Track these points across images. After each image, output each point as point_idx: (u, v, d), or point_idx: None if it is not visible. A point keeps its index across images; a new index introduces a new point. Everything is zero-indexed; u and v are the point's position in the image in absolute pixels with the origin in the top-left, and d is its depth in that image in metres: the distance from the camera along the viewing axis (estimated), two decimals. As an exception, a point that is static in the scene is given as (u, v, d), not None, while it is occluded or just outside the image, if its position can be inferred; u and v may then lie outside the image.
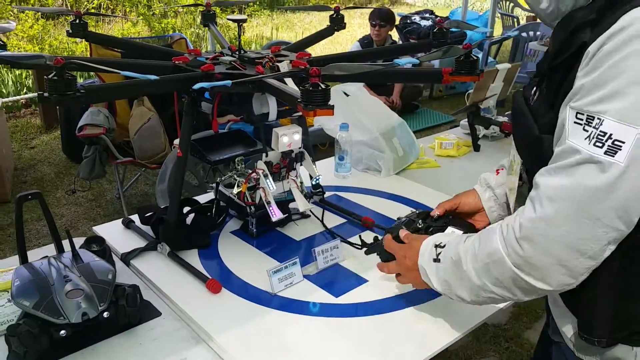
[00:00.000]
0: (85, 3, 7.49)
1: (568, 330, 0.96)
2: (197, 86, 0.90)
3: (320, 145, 3.93)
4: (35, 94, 4.91)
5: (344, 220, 1.67)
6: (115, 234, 1.58)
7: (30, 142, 4.53)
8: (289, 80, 1.25)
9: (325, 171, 1.98)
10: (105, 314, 1.12)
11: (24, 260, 1.27)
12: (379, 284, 1.34)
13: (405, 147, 2.07)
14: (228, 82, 0.93)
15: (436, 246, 1.02)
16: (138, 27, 6.97)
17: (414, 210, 1.27)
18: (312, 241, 1.56)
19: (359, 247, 1.38)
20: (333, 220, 1.66)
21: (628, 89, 0.72)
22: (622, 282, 0.84)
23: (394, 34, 5.27)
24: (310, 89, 0.94)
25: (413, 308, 1.25)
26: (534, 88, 0.94)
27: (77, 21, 1.66)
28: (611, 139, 0.73)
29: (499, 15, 7.05)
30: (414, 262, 1.06)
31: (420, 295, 1.26)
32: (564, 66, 0.83)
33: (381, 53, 1.77)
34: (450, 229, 1.19)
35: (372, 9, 4.73)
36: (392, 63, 1.00)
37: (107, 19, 7.31)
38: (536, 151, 0.87)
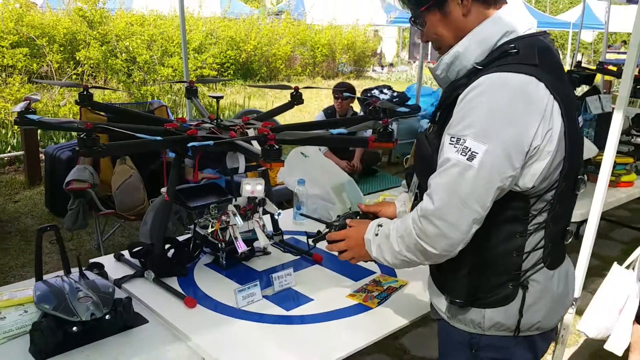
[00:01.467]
0: (68, 70, 7.97)
1: (442, 305, 1.36)
2: (190, 145, 1.30)
3: (285, 202, 4.32)
4: (22, 152, 5.22)
5: (298, 257, 2.05)
6: (109, 265, 1.91)
7: (14, 197, 4.81)
8: (255, 143, 1.67)
9: (285, 219, 2.37)
10: (107, 316, 1.46)
11: (39, 278, 1.62)
12: (322, 302, 1.71)
13: (353, 200, 2.48)
14: (211, 142, 1.34)
15: (378, 225, 1.40)
16: (118, 93, 7.43)
17: (349, 211, 1.66)
18: (272, 271, 1.91)
19: (313, 242, 1.65)
20: (289, 256, 2.04)
21: (476, 122, 1.15)
22: (475, 259, 1.24)
23: (356, 105, 5.84)
24: (268, 148, 1.35)
25: (342, 319, 1.62)
26: (429, 126, 1.38)
27: (85, 92, 2.06)
28: (470, 151, 1.14)
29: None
30: (360, 236, 1.43)
31: (346, 312, 1.65)
32: (446, 111, 1.26)
33: (331, 123, 2.21)
34: None
35: (336, 84, 5.29)
36: (327, 132, 1.43)
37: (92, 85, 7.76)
38: (429, 166, 1.27)
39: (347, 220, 1.57)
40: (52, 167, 4.38)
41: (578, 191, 1.33)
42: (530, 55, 1.19)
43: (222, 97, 1.91)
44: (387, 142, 1.63)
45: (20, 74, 6.73)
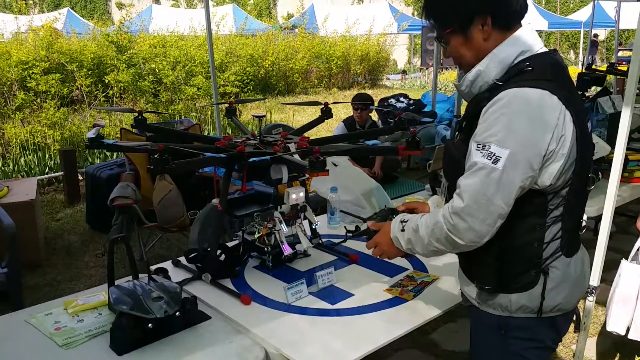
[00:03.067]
0: (97, 93, 8.32)
1: (472, 292, 1.54)
2: (251, 160, 1.51)
3: (314, 210, 4.53)
4: (61, 173, 5.51)
5: (336, 258, 2.24)
6: (169, 270, 2.13)
7: (56, 215, 5.10)
8: (297, 156, 1.87)
9: (320, 224, 2.58)
10: (177, 313, 1.67)
11: (111, 284, 1.84)
12: (362, 296, 1.90)
13: (381, 205, 2.67)
14: (268, 157, 1.55)
15: (401, 222, 1.59)
16: (145, 113, 7.72)
17: (384, 208, 1.86)
18: (314, 271, 2.11)
19: (350, 236, 1.91)
20: (328, 257, 2.24)
21: (500, 131, 1.33)
22: (501, 249, 1.42)
23: (374, 114, 6.04)
24: (314, 160, 1.56)
25: (381, 311, 1.81)
26: (456, 134, 1.57)
27: (139, 117, 2.29)
28: (495, 155, 1.33)
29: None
30: (388, 237, 1.63)
31: (385, 304, 1.84)
32: (471, 121, 1.45)
33: (360, 135, 2.41)
34: None
35: (355, 95, 5.51)
36: (363, 143, 1.63)
37: (116, 106, 8.11)
38: (457, 169, 1.45)
39: (369, 223, 1.77)
40: (93, 186, 4.65)
41: (589, 188, 1.51)
42: (544, 71, 1.38)
43: (264, 116, 2.13)
44: (416, 150, 1.82)
45: (54, 99, 7.08)
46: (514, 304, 1.46)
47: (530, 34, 1.45)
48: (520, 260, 1.45)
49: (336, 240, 2.40)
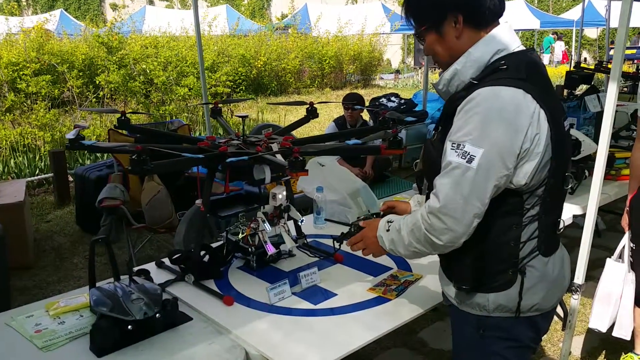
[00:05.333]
0: (88, 94, 8.29)
1: (451, 291, 1.54)
2: (229, 160, 1.51)
3: (304, 210, 4.53)
4: (51, 174, 5.49)
5: (321, 257, 2.24)
6: (151, 272, 2.12)
7: (46, 217, 5.08)
8: (279, 155, 1.87)
9: (306, 224, 2.58)
10: (158, 315, 1.66)
11: (92, 285, 1.83)
12: (345, 296, 1.90)
13: (368, 204, 2.67)
14: (246, 157, 1.54)
15: (388, 222, 1.60)
16: (136, 115, 7.72)
17: (367, 212, 1.84)
18: (298, 271, 2.11)
19: (339, 242, 1.87)
20: (313, 257, 2.23)
21: (473, 130, 1.33)
22: (478, 249, 1.42)
23: (365, 114, 6.04)
24: (293, 160, 1.55)
25: (364, 310, 1.81)
26: (433, 133, 1.57)
27: (123, 117, 2.28)
28: (469, 154, 1.33)
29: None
30: (373, 234, 1.63)
31: (368, 304, 1.84)
32: (447, 120, 1.45)
33: (344, 135, 2.41)
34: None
35: (345, 94, 5.50)
36: (344, 143, 1.63)
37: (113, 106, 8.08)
38: (435, 168, 1.45)
39: (361, 222, 1.77)
40: (82, 187, 4.63)
41: (567, 186, 1.51)
42: (519, 70, 1.38)
43: (247, 117, 2.12)
44: (397, 149, 1.82)
45: (44, 100, 7.05)
46: (491, 304, 1.46)
47: (507, 32, 1.45)
48: (497, 260, 1.45)
49: (322, 241, 2.40)
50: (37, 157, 6.28)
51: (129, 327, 1.62)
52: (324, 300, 1.89)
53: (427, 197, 1.61)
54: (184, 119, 7.71)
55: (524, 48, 1.47)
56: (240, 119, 2.10)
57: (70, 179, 5.63)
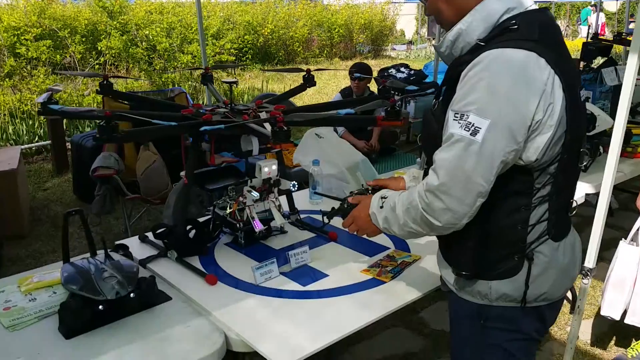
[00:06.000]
0: (91, 60, 8.12)
1: (450, 277, 1.40)
2: (202, 128, 1.36)
3: (304, 183, 4.38)
4: (49, 142, 5.38)
5: (314, 235, 2.11)
6: (134, 246, 2.00)
7: (43, 185, 4.99)
8: (267, 125, 1.72)
9: (302, 199, 2.44)
10: (132, 294, 1.54)
11: (66, 260, 1.71)
12: (336, 277, 1.77)
13: (367, 178, 2.52)
14: (222, 126, 1.39)
15: (381, 198, 1.46)
16: (139, 81, 7.55)
17: (361, 187, 1.69)
18: (288, 249, 1.98)
19: (328, 218, 1.74)
20: (306, 234, 2.10)
21: (479, 98, 1.18)
22: (481, 232, 1.28)
23: (373, 85, 5.84)
24: (277, 130, 1.40)
25: (356, 293, 1.68)
26: (434, 102, 1.41)
27: (105, 82, 2.14)
28: (474, 126, 1.17)
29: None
30: (366, 213, 1.49)
31: (360, 286, 1.71)
32: (450, 87, 1.29)
33: (341, 104, 2.25)
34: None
35: (352, 64, 5.29)
36: (335, 113, 1.47)
37: (110, 74, 7.91)
38: (435, 141, 1.30)
39: (349, 199, 1.62)
40: (79, 155, 4.52)
41: (581, 164, 1.35)
42: (530, 31, 1.21)
43: (236, 83, 1.97)
44: (395, 121, 1.66)
45: (45, 66, 6.89)
46: (493, 292, 1.32)
47: None
48: (502, 244, 1.30)
49: (317, 217, 2.26)
50: (37, 124, 6.16)
51: (100, 307, 1.51)
52: (314, 281, 1.76)
53: (425, 173, 1.46)
54: (187, 87, 7.53)
55: (538, 6, 1.29)
56: (228, 85, 1.95)
57: (69, 146, 5.52)
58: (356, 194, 1.67)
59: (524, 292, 1.31)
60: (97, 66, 7.91)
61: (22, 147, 5.32)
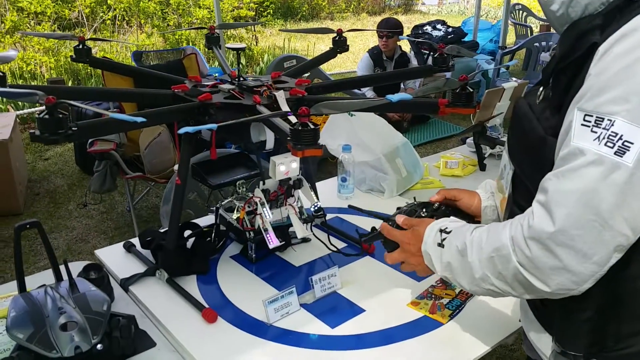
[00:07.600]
0: (101, 14, 7.61)
1: (545, 347, 0.95)
2: (181, 131, 0.90)
3: (330, 159, 3.91)
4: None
5: (345, 245, 1.66)
6: (117, 258, 1.59)
7: (45, 154, 4.60)
8: (285, 106, 1.25)
9: (328, 192, 1.98)
10: (98, 346, 1.13)
11: (22, 288, 1.28)
12: (376, 314, 1.33)
13: (409, 168, 2.05)
14: (214, 126, 0.93)
15: (441, 231, 1.01)
16: (152, 38, 7.04)
17: (413, 201, 1.23)
18: (312, 266, 1.55)
19: (366, 242, 1.26)
20: (334, 243, 1.65)
21: (635, 94, 0.72)
22: (605, 297, 0.83)
23: (404, 44, 5.25)
24: (299, 129, 0.93)
25: (399, 343, 1.23)
26: (539, 92, 0.93)
27: (81, 47, 1.68)
28: (622, 139, 0.72)
29: (512, 24, 6.99)
30: (417, 248, 1.05)
31: (409, 330, 1.26)
32: (571, 69, 0.82)
33: (383, 78, 1.75)
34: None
35: (380, 20, 4.72)
36: (384, 99, 0.99)
37: (122, 30, 7.41)
38: (537, 154, 0.86)
39: (397, 217, 1.15)
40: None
41: None
42: None
43: (243, 49, 1.49)
44: (466, 107, 1.17)
45: (50, 22, 6.41)
46: None
47: None
48: (634, 315, 0.85)
49: (347, 218, 1.81)
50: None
51: (55, 366, 1.09)
52: (345, 320, 1.32)
53: (513, 192, 0.99)
54: (201, 46, 7.00)
55: None
56: (236, 52, 1.47)
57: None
58: (405, 210, 1.20)
59: None
60: (108, 21, 7.39)
61: (23, 112, 4.92)
